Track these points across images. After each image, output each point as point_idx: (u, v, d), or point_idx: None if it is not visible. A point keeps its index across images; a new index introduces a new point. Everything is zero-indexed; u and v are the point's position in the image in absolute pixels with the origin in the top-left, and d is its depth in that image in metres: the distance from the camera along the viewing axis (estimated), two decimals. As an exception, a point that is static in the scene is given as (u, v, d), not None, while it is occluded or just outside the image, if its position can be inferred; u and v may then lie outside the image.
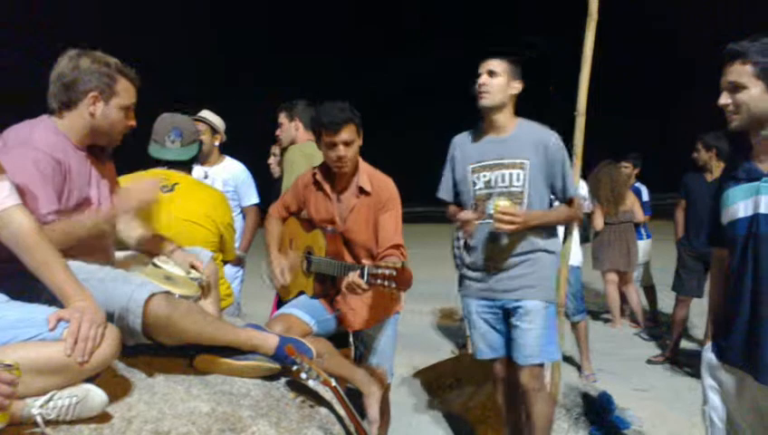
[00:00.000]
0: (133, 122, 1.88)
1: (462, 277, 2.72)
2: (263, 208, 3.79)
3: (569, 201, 2.56)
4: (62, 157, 1.69)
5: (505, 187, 2.48)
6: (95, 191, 1.83)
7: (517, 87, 2.52)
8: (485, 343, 2.63)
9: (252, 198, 3.80)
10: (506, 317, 2.58)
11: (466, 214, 2.46)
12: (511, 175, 2.48)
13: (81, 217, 1.72)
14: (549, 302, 2.52)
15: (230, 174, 3.72)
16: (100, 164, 1.88)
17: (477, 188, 2.54)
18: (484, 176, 2.52)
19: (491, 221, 2.38)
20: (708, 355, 1.93)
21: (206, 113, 3.71)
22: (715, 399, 1.91)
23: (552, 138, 2.51)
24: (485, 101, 2.48)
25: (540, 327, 2.47)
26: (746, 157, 1.81)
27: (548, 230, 2.57)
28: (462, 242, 2.66)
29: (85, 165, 1.80)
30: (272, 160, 4.07)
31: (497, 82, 2.47)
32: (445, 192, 2.71)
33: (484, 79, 2.48)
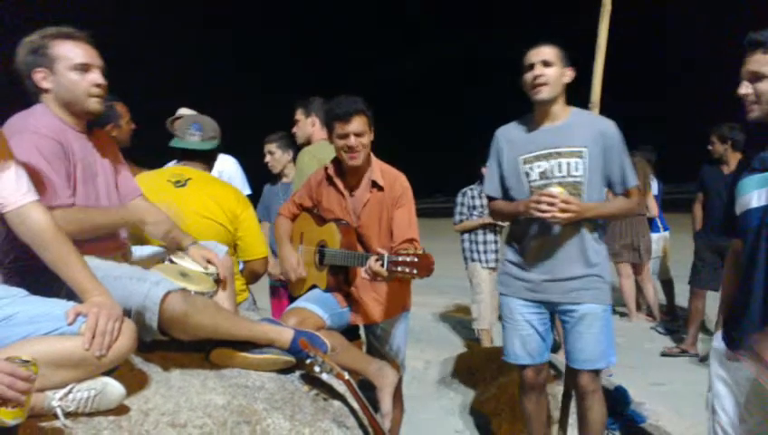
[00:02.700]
0: (98, 78, 1.75)
1: (505, 275, 2.51)
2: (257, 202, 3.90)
3: (626, 193, 2.36)
4: (63, 139, 1.70)
5: (563, 176, 2.29)
6: (101, 173, 1.85)
7: (570, 75, 2.33)
8: (525, 348, 2.43)
9: (244, 189, 3.77)
10: (552, 319, 2.48)
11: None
12: (569, 164, 2.29)
13: (105, 209, 1.78)
14: (606, 304, 2.37)
15: (221, 168, 3.64)
16: (100, 145, 1.88)
17: (532, 179, 2.34)
18: (539, 166, 2.32)
19: (540, 214, 2.21)
20: (718, 344, 1.92)
21: (184, 110, 3.63)
22: (720, 388, 1.89)
23: (611, 125, 2.34)
24: (545, 94, 2.27)
25: (598, 332, 2.33)
26: (762, 147, 1.79)
27: (600, 231, 2.39)
28: (501, 237, 2.45)
29: (87, 147, 1.81)
30: (269, 159, 4.06)
31: (553, 72, 2.27)
32: (492, 188, 2.50)
33: (539, 70, 2.26)
